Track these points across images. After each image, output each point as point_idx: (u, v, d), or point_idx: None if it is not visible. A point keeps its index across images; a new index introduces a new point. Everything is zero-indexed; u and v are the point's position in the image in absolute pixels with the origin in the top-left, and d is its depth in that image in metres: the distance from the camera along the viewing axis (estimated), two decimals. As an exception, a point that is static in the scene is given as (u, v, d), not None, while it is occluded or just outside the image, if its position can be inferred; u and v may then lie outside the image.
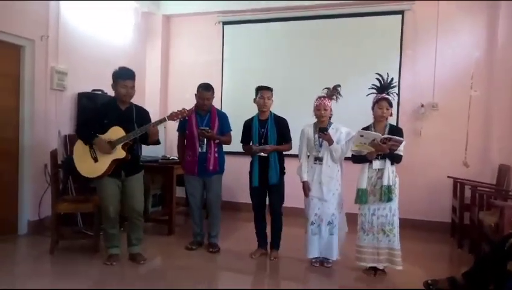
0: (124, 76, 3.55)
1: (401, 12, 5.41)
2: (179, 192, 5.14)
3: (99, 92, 5.04)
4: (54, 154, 3.93)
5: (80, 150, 3.57)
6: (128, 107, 3.63)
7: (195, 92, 4.05)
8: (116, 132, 3.48)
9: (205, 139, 3.97)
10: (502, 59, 4.84)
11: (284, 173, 3.93)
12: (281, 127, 3.91)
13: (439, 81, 5.23)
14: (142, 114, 3.69)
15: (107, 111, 3.58)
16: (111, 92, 5.05)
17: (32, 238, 4.37)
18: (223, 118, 4.13)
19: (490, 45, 5.07)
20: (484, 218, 3.74)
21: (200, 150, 3.98)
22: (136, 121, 3.57)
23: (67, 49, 4.87)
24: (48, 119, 4.65)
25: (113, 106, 3.60)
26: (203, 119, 4.03)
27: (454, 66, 5.22)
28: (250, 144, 3.94)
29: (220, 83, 6.14)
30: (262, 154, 3.81)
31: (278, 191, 3.89)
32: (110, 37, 5.62)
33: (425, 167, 5.22)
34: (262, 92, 3.87)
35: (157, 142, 3.70)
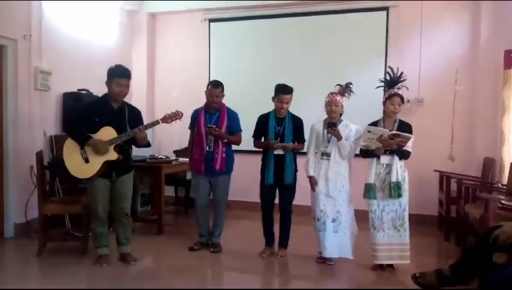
0: (119, 74, 3.48)
1: (386, 8, 5.45)
2: (168, 191, 5.11)
3: (85, 92, 4.98)
4: (39, 156, 3.87)
5: (70, 150, 3.50)
6: (121, 106, 3.56)
7: (205, 90, 4.00)
8: (107, 133, 3.42)
9: (213, 138, 3.91)
10: (486, 54, 4.92)
11: (297, 171, 3.89)
12: (297, 126, 3.86)
13: (424, 76, 5.29)
14: (135, 114, 3.63)
15: (98, 109, 3.51)
16: (97, 92, 5.04)
17: (19, 241, 4.31)
18: (233, 117, 4.03)
19: (474, 40, 5.14)
20: (470, 211, 3.80)
21: (207, 149, 3.92)
22: (128, 121, 3.51)
23: (51, 48, 4.79)
24: (32, 120, 4.57)
25: (105, 104, 3.52)
26: (212, 117, 3.96)
27: (439, 61, 5.29)
28: (262, 140, 3.90)
29: (206, 81, 6.08)
30: (279, 152, 3.77)
31: (290, 190, 3.85)
32: (95, 36, 5.55)
33: (412, 161, 5.17)
34: (282, 97, 3.75)
35: (148, 145, 3.66)
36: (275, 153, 3.77)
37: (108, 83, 3.49)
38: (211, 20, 6.17)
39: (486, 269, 2.44)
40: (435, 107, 5.28)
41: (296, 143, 3.84)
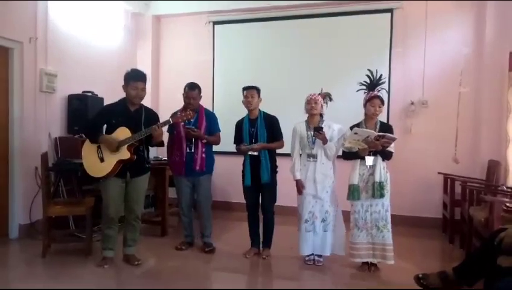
0: (134, 77, 3.55)
1: (391, 10, 5.44)
2: (172, 193, 5.12)
3: (90, 94, 5.01)
4: (44, 157, 3.90)
5: (88, 150, 3.58)
6: (138, 108, 3.63)
7: (182, 92, 4.05)
8: (122, 133, 3.48)
9: (192, 139, 3.95)
10: (490, 56, 4.90)
11: (276, 172, 3.93)
12: (271, 125, 3.91)
13: (428, 78, 5.28)
14: (151, 116, 3.68)
15: (116, 111, 3.59)
16: (102, 94, 5.09)
17: (23, 242, 4.33)
18: (211, 118, 4.12)
19: (478, 42, 5.12)
20: (474, 213, 3.78)
21: (187, 150, 3.97)
22: (144, 123, 3.57)
23: (56, 51, 4.82)
24: (37, 122, 4.60)
25: (123, 107, 3.60)
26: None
27: (443, 63, 5.27)
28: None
29: (211, 83, 6.14)
30: (253, 153, 3.81)
31: (269, 190, 3.90)
32: (100, 38, 5.58)
33: (416, 163, 5.27)
34: (246, 91, 3.89)
35: (161, 144, 3.71)
36: (250, 154, 3.83)
37: (125, 87, 3.57)
38: (215, 23, 6.19)
39: (491, 272, 2.43)
40: (439, 109, 5.26)
41: (274, 141, 3.88)
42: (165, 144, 3.99)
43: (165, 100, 6.42)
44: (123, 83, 3.58)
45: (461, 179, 4.49)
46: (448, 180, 4.71)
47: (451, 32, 5.25)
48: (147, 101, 6.17)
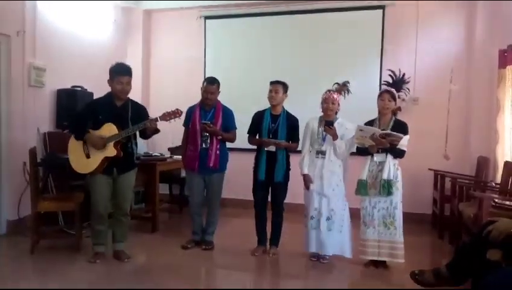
0: (119, 72, 3.49)
1: (382, 7, 5.46)
2: (162, 189, 5.09)
3: (79, 89, 4.95)
4: (33, 152, 3.84)
5: (74, 145, 3.54)
6: (124, 103, 3.57)
7: (201, 86, 4.00)
8: (109, 129, 3.43)
9: (208, 135, 3.89)
10: (481, 54, 4.94)
11: (289, 169, 3.88)
12: (292, 125, 3.85)
13: (419, 75, 5.30)
14: (138, 111, 3.62)
15: (102, 107, 3.53)
16: (91, 89, 5.03)
17: (11, 238, 4.27)
18: (228, 114, 4.03)
19: (469, 39, 5.16)
20: (464, 209, 3.82)
21: (202, 146, 3.90)
22: (131, 118, 3.51)
23: (45, 45, 4.75)
24: (26, 117, 4.53)
25: (109, 102, 3.54)
26: (207, 114, 3.95)
27: (434, 60, 5.31)
28: (257, 136, 3.90)
29: (202, 78, 6.05)
30: (271, 149, 3.76)
31: (282, 188, 3.86)
32: (90, 32, 5.51)
33: (407, 159, 5.22)
34: (271, 86, 3.84)
35: (157, 131, 3.61)
36: (267, 150, 3.77)
37: (110, 81, 3.52)
38: (207, 17, 6.15)
39: (480, 266, 2.44)
40: (429, 106, 5.29)
41: (290, 142, 3.83)
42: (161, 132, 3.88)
43: (155, 95, 6.37)
44: (108, 78, 3.52)
45: (451, 175, 4.53)
46: (439, 176, 4.75)
47: (443, 30, 5.29)
48: (137, 96, 6.18)
